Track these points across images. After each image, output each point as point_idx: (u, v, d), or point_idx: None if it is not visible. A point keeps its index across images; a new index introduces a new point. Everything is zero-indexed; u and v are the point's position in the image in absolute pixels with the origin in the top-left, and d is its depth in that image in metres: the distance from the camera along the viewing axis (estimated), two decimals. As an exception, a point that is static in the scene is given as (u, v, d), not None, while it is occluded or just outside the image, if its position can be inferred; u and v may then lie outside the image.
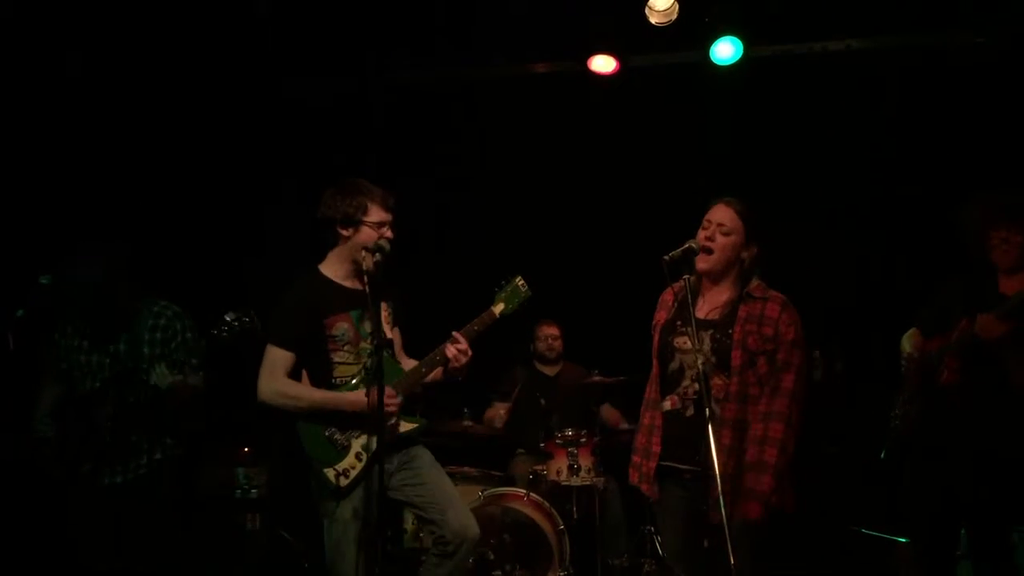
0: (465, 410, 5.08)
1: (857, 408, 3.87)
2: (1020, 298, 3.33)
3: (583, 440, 5.08)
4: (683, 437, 2.96)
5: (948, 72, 5.10)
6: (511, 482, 5.15)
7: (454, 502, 3.38)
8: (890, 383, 3.76)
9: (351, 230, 3.32)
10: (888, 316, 3.99)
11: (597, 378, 5.28)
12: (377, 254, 3.23)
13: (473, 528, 3.35)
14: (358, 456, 3.27)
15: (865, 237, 5.42)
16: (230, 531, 4.37)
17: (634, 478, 3.20)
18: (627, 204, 5.79)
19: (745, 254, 3.10)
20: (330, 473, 3.23)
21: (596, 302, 5.79)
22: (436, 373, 3.43)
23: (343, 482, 3.24)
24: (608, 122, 5.66)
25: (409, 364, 3.50)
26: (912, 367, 3.65)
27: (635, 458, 3.19)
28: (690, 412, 2.99)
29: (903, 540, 4.45)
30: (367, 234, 3.30)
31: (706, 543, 2.71)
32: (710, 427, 2.64)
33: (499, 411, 5.64)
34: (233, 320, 3.48)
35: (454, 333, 3.37)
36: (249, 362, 3.39)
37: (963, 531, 3.62)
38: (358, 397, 3.20)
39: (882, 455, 3.67)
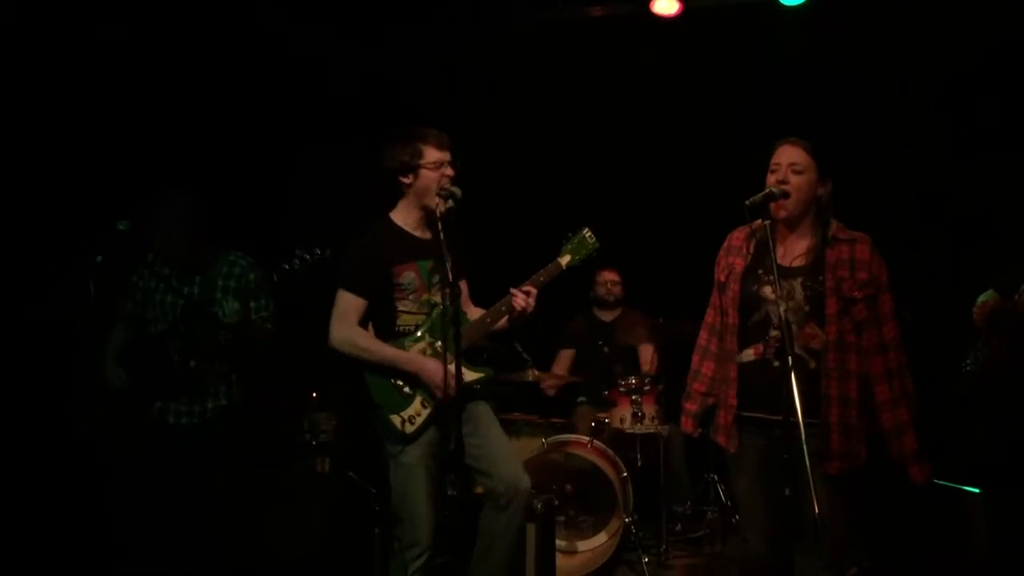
0: (528, 360, 5.10)
1: (927, 360, 3.78)
2: None
3: (647, 388, 5.08)
4: (768, 387, 2.87)
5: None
6: (573, 430, 5.18)
7: (507, 456, 3.42)
8: (962, 336, 3.67)
9: (411, 177, 3.34)
10: (960, 271, 3.86)
11: (660, 322, 5.25)
12: (450, 200, 3.22)
13: (525, 481, 3.37)
14: (423, 403, 3.31)
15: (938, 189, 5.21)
16: (300, 475, 4.48)
17: (687, 425, 3.21)
18: (688, 151, 5.68)
19: (821, 191, 2.99)
20: (396, 420, 3.28)
21: (657, 248, 5.74)
22: (501, 323, 3.44)
23: (409, 428, 3.28)
24: (670, 67, 5.54)
25: (475, 313, 3.51)
26: (983, 312, 3.56)
27: (688, 405, 3.21)
28: (776, 362, 2.89)
29: (975, 491, 4.38)
30: (427, 177, 3.32)
31: (787, 491, 2.67)
32: (794, 376, 2.58)
33: (567, 357, 5.67)
34: (304, 253, 3.54)
35: (512, 289, 3.38)
36: (318, 307, 3.44)
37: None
38: (428, 365, 3.25)
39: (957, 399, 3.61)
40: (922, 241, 4.88)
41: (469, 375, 3.33)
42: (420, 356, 3.33)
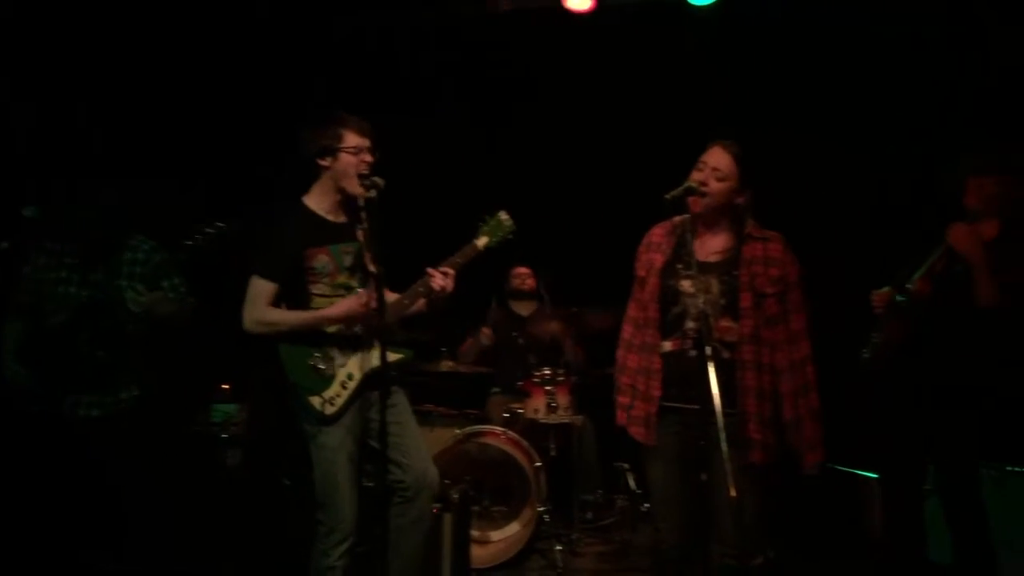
0: (444, 350, 5.11)
1: (828, 349, 3.93)
2: (991, 196, 3.42)
3: (561, 379, 5.14)
4: (688, 377, 2.95)
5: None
6: (487, 421, 5.20)
7: (419, 448, 3.43)
8: (862, 327, 3.83)
9: (330, 160, 3.33)
10: (863, 267, 4.02)
11: (574, 312, 5.32)
12: (373, 190, 3.22)
13: (433, 474, 3.41)
14: (343, 384, 3.29)
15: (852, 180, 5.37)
16: (210, 468, 4.39)
17: (623, 419, 3.22)
18: (602, 144, 5.77)
19: (740, 200, 3.08)
20: (316, 401, 3.25)
21: (570, 241, 5.81)
22: (419, 305, 3.46)
23: (329, 409, 3.26)
24: (584, 61, 5.60)
25: (391, 297, 3.51)
26: (881, 301, 3.72)
27: (622, 399, 3.21)
28: (693, 353, 2.96)
29: (872, 476, 4.58)
30: (346, 161, 3.31)
31: (704, 477, 2.75)
32: (711, 365, 2.66)
33: (469, 342, 5.70)
34: (207, 228, 3.48)
35: (428, 270, 3.39)
36: (229, 293, 3.38)
37: (931, 467, 3.74)
38: (343, 305, 3.26)
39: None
40: (832, 233, 5.04)
41: (391, 356, 3.31)
42: (348, 297, 3.32)
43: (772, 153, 3.66)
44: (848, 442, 4.69)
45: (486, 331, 5.61)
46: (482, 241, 3.50)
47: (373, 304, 3.16)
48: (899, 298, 3.63)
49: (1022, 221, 3.49)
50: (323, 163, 3.34)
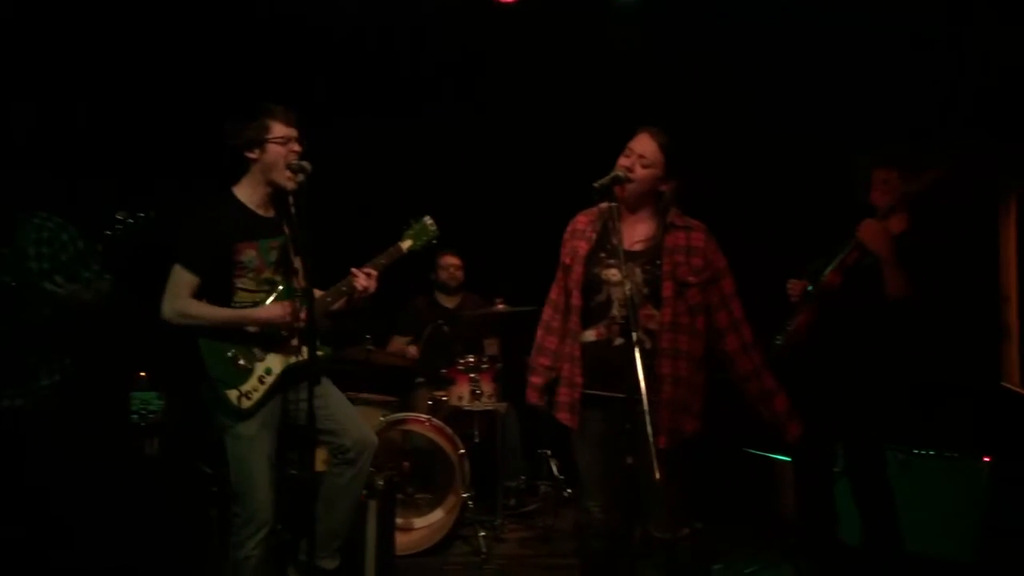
0: (367, 337, 5.08)
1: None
2: (903, 192, 3.56)
3: (485, 366, 5.17)
4: (611, 365, 3.00)
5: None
6: (411, 409, 5.20)
7: (353, 416, 3.52)
8: (779, 315, 3.96)
9: (257, 151, 3.29)
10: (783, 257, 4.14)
11: (501, 307, 5.35)
12: (301, 174, 3.20)
13: (372, 437, 3.51)
14: (261, 379, 3.27)
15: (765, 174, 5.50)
16: (128, 457, 4.29)
17: (533, 397, 3.29)
18: (526, 134, 5.80)
19: (664, 188, 3.12)
20: (232, 394, 3.22)
21: (496, 233, 5.83)
22: (340, 303, 3.48)
23: (245, 403, 3.23)
24: (511, 52, 5.62)
25: (316, 294, 3.48)
26: (797, 290, 3.84)
27: (534, 379, 3.28)
28: (618, 341, 3.01)
29: (784, 458, 4.73)
30: (274, 152, 3.28)
31: (629, 460, 2.81)
32: (637, 352, 2.71)
33: (400, 343, 5.68)
34: (127, 218, 3.41)
35: (353, 270, 3.41)
36: (148, 280, 3.32)
37: (840, 449, 3.89)
38: (267, 312, 3.26)
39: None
40: (756, 223, 5.17)
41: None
42: (269, 304, 3.31)
43: (700, 143, 3.75)
44: (762, 426, 4.86)
45: (412, 350, 5.60)
46: (406, 244, 3.59)
47: (298, 321, 3.22)
48: (810, 288, 3.76)
49: (927, 214, 3.64)
50: (251, 155, 3.30)
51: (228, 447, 3.28)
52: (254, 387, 3.26)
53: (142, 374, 4.53)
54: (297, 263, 3.43)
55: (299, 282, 3.44)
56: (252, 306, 3.30)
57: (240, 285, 3.29)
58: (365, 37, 5.63)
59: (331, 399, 3.46)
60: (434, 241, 3.65)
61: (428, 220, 3.64)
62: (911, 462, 4.20)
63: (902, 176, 3.62)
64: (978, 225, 4.91)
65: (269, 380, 3.28)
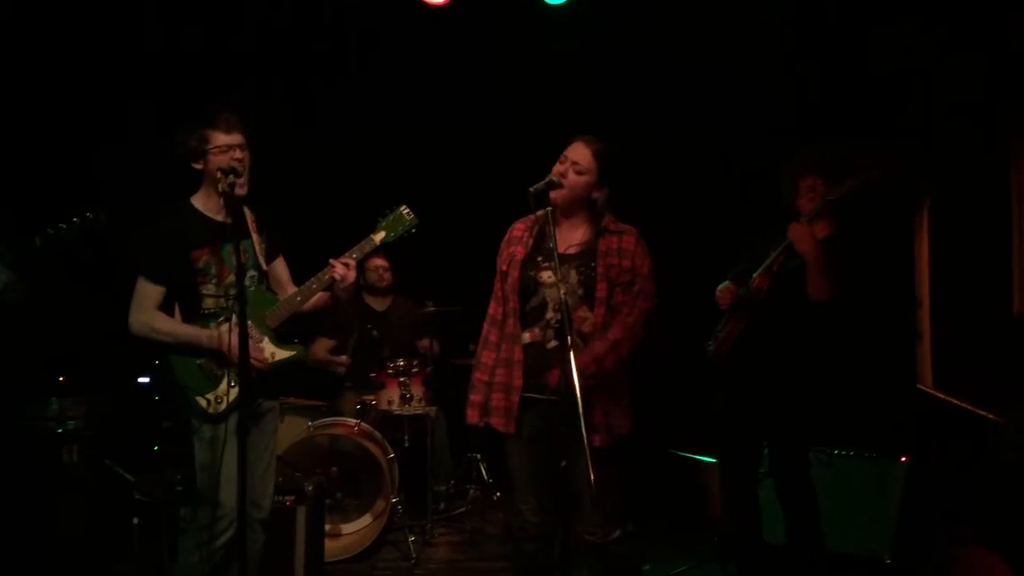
0: (295, 340, 4.99)
1: (675, 342, 4.10)
2: (828, 198, 3.66)
3: (415, 370, 5.14)
4: (544, 367, 3.06)
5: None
6: (339, 413, 5.15)
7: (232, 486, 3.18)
8: (709, 321, 4.02)
9: (201, 162, 3.26)
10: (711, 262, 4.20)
11: (431, 309, 5.33)
12: (231, 175, 3.14)
13: (255, 512, 3.29)
14: (232, 384, 3.23)
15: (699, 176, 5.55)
16: (46, 464, 4.13)
17: (474, 417, 3.22)
18: (460, 137, 5.80)
19: (597, 195, 3.17)
20: (202, 401, 3.21)
21: (429, 235, 5.79)
22: (317, 299, 3.40)
23: (215, 408, 3.21)
24: (445, 54, 5.61)
25: (289, 291, 3.46)
26: (727, 296, 3.91)
27: (474, 396, 3.23)
28: (552, 343, 3.06)
29: (711, 460, 4.82)
30: (216, 161, 3.22)
31: (563, 463, 2.84)
32: (572, 354, 2.72)
33: (326, 344, 5.60)
34: (72, 217, 3.35)
35: (331, 260, 3.32)
36: (81, 279, 3.24)
37: (766, 451, 3.97)
38: (210, 338, 3.20)
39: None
40: (688, 229, 5.24)
41: (280, 353, 3.32)
42: (219, 331, 3.22)
43: (635, 149, 3.78)
44: (690, 429, 4.95)
45: (343, 360, 5.53)
46: (379, 236, 3.44)
47: (232, 352, 3.06)
48: (740, 293, 3.84)
49: (849, 220, 3.75)
50: (196, 166, 3.27)
51: (197, 451, 3.24)
52: (224, 392, 3.23)
53: (61, 379, 4.38)
54: (274, 265, 3.44)
55: (278, 284, 3.45)
56: (219, 312, 3.26)
57: (205, 292, 3.26)
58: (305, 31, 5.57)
59: (251, 457, 3.13)
60: (412, 230, 3.47)
61: (404, 209, 3.46)
62: (832, 462, 4.31)
63: (827, 183, 3.72)
64: (895, 231, 5.06)
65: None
